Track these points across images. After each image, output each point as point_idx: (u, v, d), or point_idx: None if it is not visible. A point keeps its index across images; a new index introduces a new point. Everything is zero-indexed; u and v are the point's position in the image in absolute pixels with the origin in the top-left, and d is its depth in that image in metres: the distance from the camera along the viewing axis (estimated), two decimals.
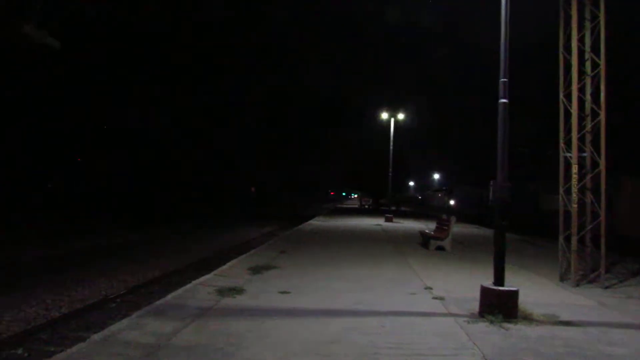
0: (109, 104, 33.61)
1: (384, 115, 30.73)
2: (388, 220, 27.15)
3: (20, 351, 5.93)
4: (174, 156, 44.25)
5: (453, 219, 13.86)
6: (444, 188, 67.44)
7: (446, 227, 13.87)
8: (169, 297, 6.82)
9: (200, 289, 7.36)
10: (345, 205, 74.74)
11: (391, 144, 29.48)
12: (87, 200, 32.21)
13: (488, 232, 20.91)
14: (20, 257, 12.82)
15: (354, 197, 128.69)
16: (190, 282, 7.95)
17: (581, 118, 8.67)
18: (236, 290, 7.23)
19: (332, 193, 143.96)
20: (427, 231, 15.15)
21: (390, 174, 29.49)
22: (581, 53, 8.66)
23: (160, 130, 39.94)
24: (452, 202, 51.90)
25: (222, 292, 7.13)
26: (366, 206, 59.22)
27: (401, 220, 29.04)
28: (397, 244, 15.22)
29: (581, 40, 8.63)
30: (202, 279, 8.25)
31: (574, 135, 8.43)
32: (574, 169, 8.42)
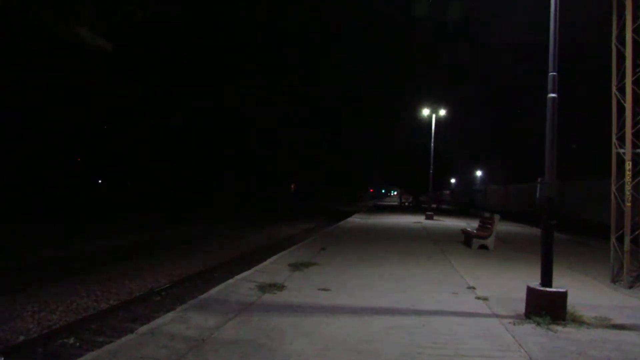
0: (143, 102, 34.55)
1: (425, 112, 30.25)
2: (429, 218, 26.78)
3: (71, 340, 6.21)
4: (214, 154, 45.12)
5: (497, 217, 13.50)
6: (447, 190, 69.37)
7: (489, 226, 13.53)
8: (212, 291, 6.96)
9: (242, 285, 7.47)
10: (384, 203, 74.30)
11: (432, 140, 29.03)
12: (128, 199, 33.37)
13: (532, 230, 20.27)
14: (72, 252, 13.42)
15: (394, 195, 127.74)
16: (232, 278, 8.10)
17: (635, 113, 8.25)
18: (277, 287, 7.31)
19: (371, 190, 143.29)
20: (469, 229, 14.84)
21: (431, 171, 29.06)
22: (636, 44, 8.23)
23: (200, 128, 40.79)
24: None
25: (263, 288, 7.21)
26: (406, 203, 58.66)
27: (442, 218, 28.56)
28: (438, 242, 14.98)
29: (636, 30, 8.20)
30: (243, 274, 8.38)
31: (628, 130, 8.03)
32: (628, 165, 8.03)
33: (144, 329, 5.02)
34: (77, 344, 6.15)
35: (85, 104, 29.05)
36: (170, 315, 5.64)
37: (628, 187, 8.00)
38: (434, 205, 39.13)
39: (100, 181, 37.28)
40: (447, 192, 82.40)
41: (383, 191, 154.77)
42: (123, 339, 4.70)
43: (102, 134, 32.87)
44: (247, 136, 50.70)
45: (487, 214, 15.11)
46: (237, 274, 8.54)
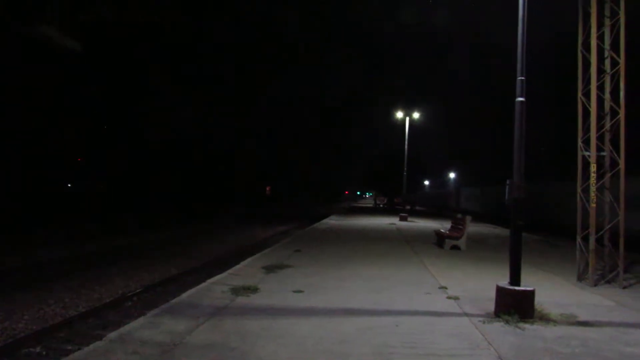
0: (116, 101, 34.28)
1: (399, 115, 30.60)
2: (402, 219, 27.06)
3: (38, 349, 6.04)
4: (188, 158, 44.71)
5: (468, 218, 13.75)
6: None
7: (461, 227, 13.76)
8: (184, 295, 6.88)
9: (215, 288, 7.41)
10: (359, 205, 74.63)
11: (406, 143, 29.36)
12: (95, 200, 32.83)
13: (504, 231, 20.68)
14: (41, 257, 13.05)
15: (369, 197, 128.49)
16: (205, 281, 8.02)
17: (600, 117, 8.53)
18: (250, 289, 7.27)
19: (346, 192, 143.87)
20: (442, 230, 15.04)
21: (405, 173, 29.37)
22: (600, 51, 8.51)
23: (173, 130, 40.35)
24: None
25: (237, 291, 7.17)
26: (381, 205, 58.99)
27: (416, 220, 28.88)
28: (411, 243, 15.14)
29: (600, 38, 8.48)
30: (216, 277, 8.31)
31: (593, 134, 8.29)
32: (593, 168, 8.28)
33: (113, 335, 4.92)
34: (44, 352, 5.98)
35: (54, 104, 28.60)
36: (140, 320, 5.55)
37: (593, 189, 8.25)
38: (408, 207, 39.55)
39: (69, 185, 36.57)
40: (413, 194, 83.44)
41: (359, 193, 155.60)
42: (91, 346, 4.60)
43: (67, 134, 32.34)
44: (225, 138, 50.46)
45: (459, 215, 15.36)
46: (211, 277, 8.47)
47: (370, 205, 67.68)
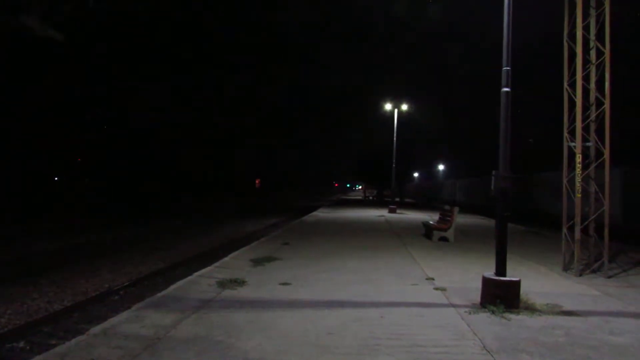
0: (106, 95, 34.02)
1: (388, 107, 30.58)
2: (391, 211, 27.14)
3: (22, 344, 5.96)
4: (179, 153, 44.46)
5: (456, 209, 13.78)
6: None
7: (449, 218, 13.80)
8: (170, 289, 6.82)
9: (202, 281, 7.37)
10: (349, 197, 74.75)
11: (394, 135, 29.36)
12: (84, 196, 32.59)
13: (491, 222, 20.81)
14: (28, 250, 12.90)
15: (359, 189, 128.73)
16: (191, 274, 7.97)
17: (585, 107, 8.56)
18: (237, 282, 7.23)
19: (336, 185, 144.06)
20: (430, 222, 15.09)
21: (393, 165, 29.39)
22: (586, 41, 8.53)
23: (162, 123, 40.05)
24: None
25: (224, 283, 7.13)
26: (370, 198, 59.14)
27: (405, 212, 28.99)
28: (399, 235, 15.18)
29: (586, 28, 8.49)
30: (203, 270, 8.26)
31: (578, 124, 8.32)
32: (578, 158, 8.33)
33: (96, 329, 4.86)
34: (28, 347, 5.90)
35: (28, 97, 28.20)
36: (124, 314, 5.49)
37: (578, 179, 8.30)
38: (397, 199, 39.67)
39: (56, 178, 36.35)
40: (403, 186, 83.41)
41: (348, 185, 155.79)
42: (73, 340, 4.54)
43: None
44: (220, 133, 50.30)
45: (447, 207, 15.40)
46: (198, 270, 8.41)
47: (360, 197, 67.84)
